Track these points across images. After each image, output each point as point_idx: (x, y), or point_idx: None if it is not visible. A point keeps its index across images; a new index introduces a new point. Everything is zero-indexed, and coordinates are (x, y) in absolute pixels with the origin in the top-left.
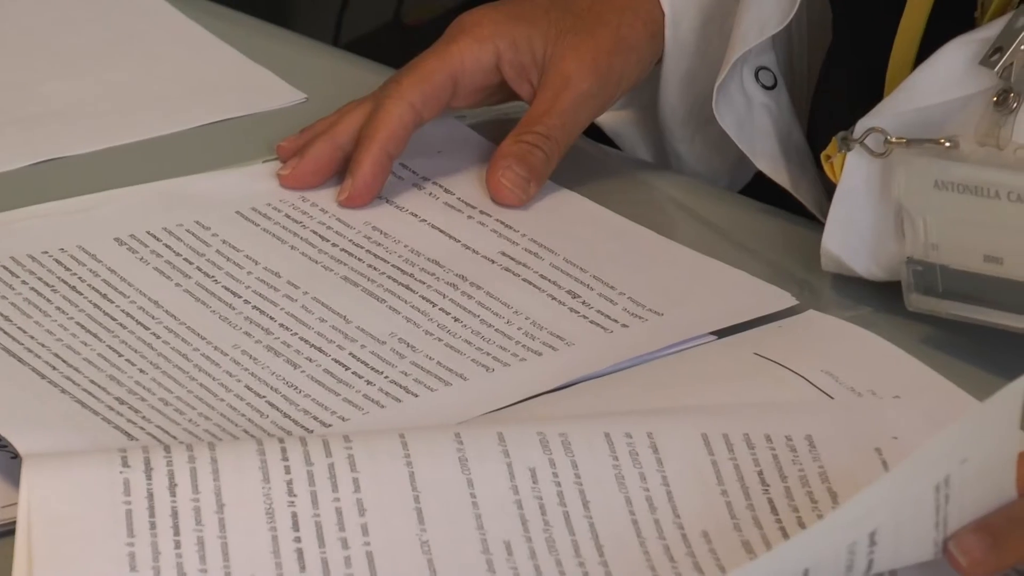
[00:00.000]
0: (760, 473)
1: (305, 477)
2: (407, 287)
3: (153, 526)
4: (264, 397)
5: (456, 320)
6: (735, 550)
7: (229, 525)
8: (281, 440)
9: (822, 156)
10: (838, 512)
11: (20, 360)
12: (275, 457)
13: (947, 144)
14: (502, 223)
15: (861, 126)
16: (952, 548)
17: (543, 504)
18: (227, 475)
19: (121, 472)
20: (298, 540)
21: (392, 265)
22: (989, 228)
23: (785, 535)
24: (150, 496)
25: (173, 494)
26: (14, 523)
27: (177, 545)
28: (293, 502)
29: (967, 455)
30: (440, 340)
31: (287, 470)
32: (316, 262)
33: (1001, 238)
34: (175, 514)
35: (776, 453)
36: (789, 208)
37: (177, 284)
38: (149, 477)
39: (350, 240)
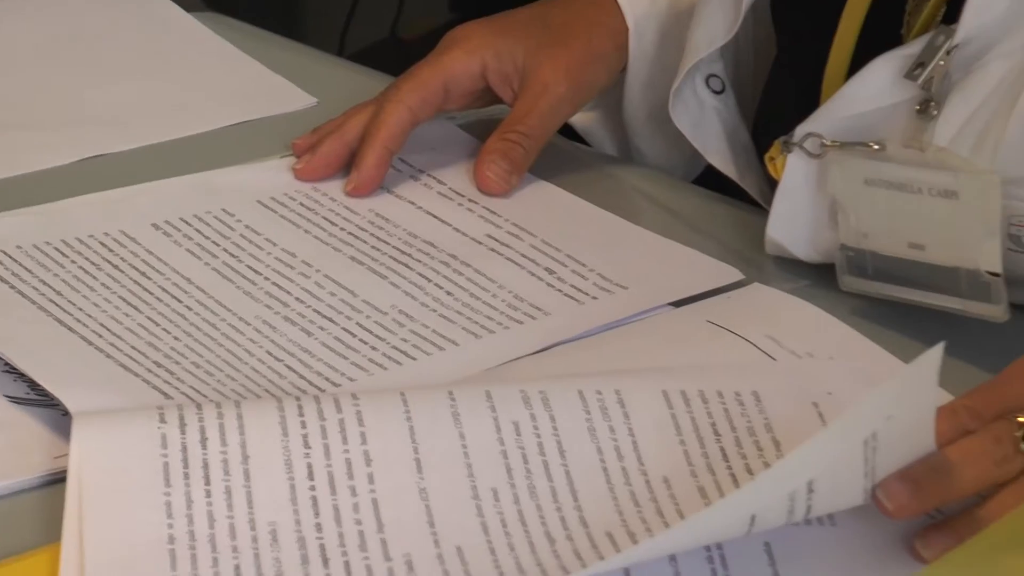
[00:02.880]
0: (713, 425)
1: (319, 431)
2: (406, 265)
3: (187, 476)
4: (282, 361)
5: (448, 294)
6: (691, 495)
7: (253, 475)
8: (298, 399)
9: (766, 157)
10: (779, 465)
11: (70, 329)
12: (293, 413)
13: (876, 147)
14: (488, 209)
15: (800, 131)
16: (880, 494)
17: (525, 454)
18: (251, 430)
19: (159, 427)
20: (313, 488)
21: (393, 246)
22: (913, 219)
23: (735, 480)
24: (184, 449)
25: (204, 447)
26: (65, 472)
27: (208, 494)
28: (308, 454)
29: (892, 413)
30: (435, 311)
31: (303, 425)
32: (327, 244)
33: (923, 228)
34: (206, 465)
35: (727, 407)
36: (736, 196)
37: (206, 263)
38: (183, 432)
39: (356, 225)
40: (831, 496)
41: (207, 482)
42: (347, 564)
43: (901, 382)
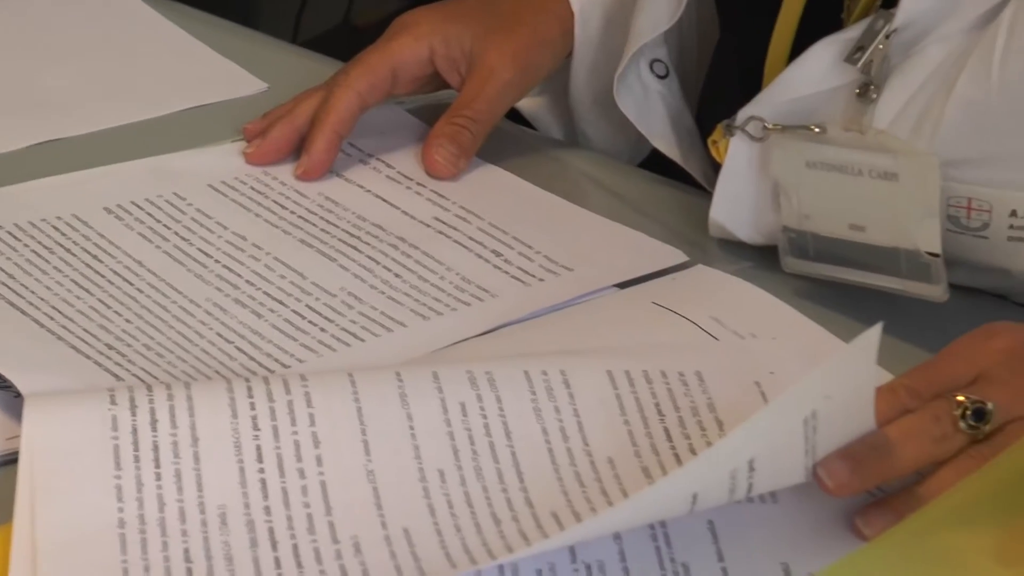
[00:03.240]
0: (657, 405)
1: (268, 413)
2: (355, 248)
3: (137, 459)
4: (232, 343)
5: (397, 276)
6: (635, 474)
7: (203, 458)
8: (247, 380)
9: (709, 141)
10: (719, 444)
11: (22, 312)
12: (242, 395)
13: (817, 130)
14: (436, 193)
15: (742, 114)
16: (820, 473)
17: (472, 435)
18: (201, 411)
19: (109, 409)
20: (261, 471)
21: (342, 229)
22: (853, 201)
23: (678, 460)
24: (134, 431)
25: (154, 429)
26: (17, 453)
27: (158, 477)
28: (257, 435)
29: (831, 392)
30: (383, 293)
31: (252, 406)
32: (277, 227)
33: (864, 209)
34: (156, 448)
35: (671, 387)
36: (680, 179)
37: (158, 246)
38: (134, 414)
39: (306, 208)
40: (772, 474)
41: (157, 465)
42: (295, 547)
43: (840, 362)
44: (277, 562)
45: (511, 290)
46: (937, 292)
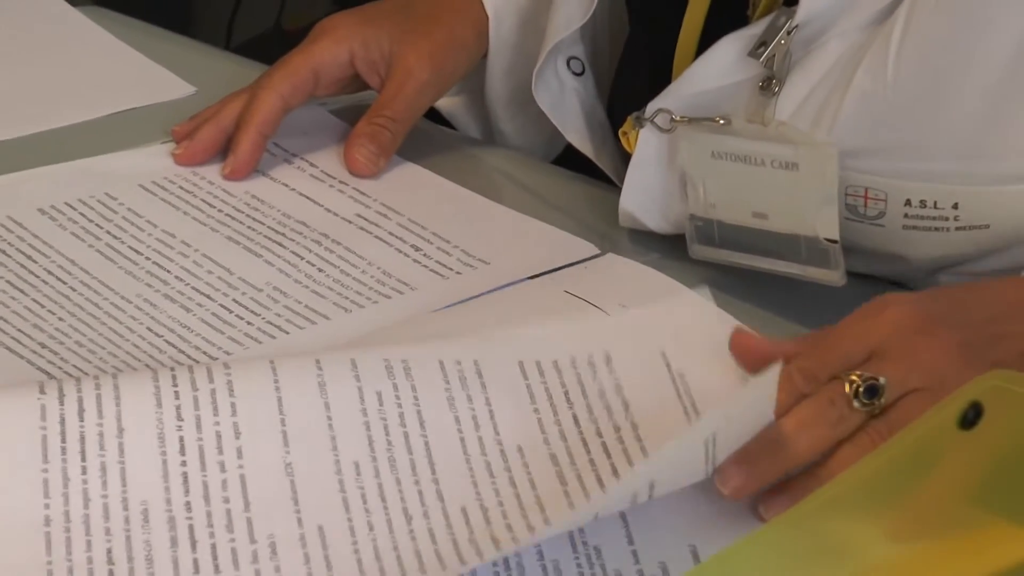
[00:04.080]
0: (566, 393)
1: (191, 402)
2: (280, 244)
3: (64, 451)
4: (162, 336)
5: (320, 270)
6: (543, 462)
7: (127, 450)
8: (172, 369)
9: (620, 132)
10: (622, 484)
11: None
12: (167, 383)
13: (722, 122)
14: (357, 190)
15: (651, 107)
16: (716, 481)
17: (387, 425)
18: (127, 401)
19: (38, 399)
20: (184, 464)
21: (267, 226)
22: (757, 190)
23: (585, 444)
24: (62, 421)
25: (81, 419)
26: None
27: (83, 471)
28: (180, 426)
29: (732, 417)
30: (307, 287)
31: (176, 395)
32: (205, 225)
33: (766, 198)
34: (82, 439)
35: (579, 374)
36: (592, 175)
37: (90, 245)
38: (62, 403)
39: (233, 206)
40: (672, 485)
41: (83, 458)
42: (213, 547)
43: (741, 399)
44: (196, 564)
45: (430, 283)
46: (835, 277)
